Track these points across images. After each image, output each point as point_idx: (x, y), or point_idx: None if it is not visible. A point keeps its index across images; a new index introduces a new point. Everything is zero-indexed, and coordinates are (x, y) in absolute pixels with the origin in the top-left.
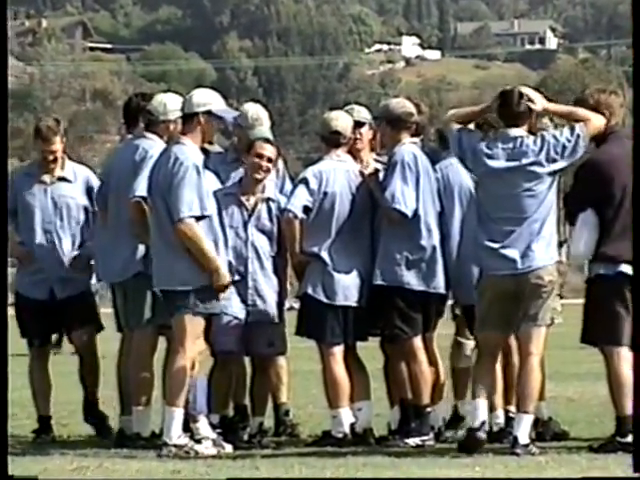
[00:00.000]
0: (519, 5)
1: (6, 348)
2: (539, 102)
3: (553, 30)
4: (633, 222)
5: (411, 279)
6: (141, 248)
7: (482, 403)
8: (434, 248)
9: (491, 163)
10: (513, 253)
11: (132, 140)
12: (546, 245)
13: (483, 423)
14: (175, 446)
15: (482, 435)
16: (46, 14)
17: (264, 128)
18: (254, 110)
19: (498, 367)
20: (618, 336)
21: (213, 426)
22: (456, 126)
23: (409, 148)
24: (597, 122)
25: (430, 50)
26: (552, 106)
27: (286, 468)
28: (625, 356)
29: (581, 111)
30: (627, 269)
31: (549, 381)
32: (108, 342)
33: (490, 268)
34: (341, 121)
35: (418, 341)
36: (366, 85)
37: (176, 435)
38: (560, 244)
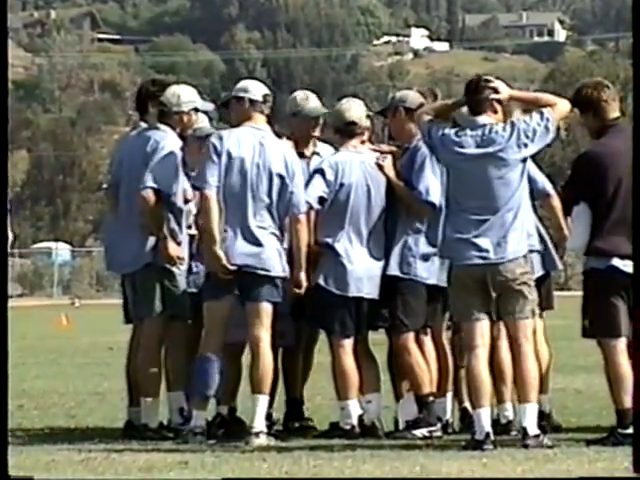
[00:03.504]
0: None
1: (6, 347)
2: (504, 90)
3: (561, 22)
4: (633, 221)
5: (424, 272)
6: (151, 239)
7: (484, 413)
8: None
9: (462, 151)
10: (486, 243)
11: (144, 131)
12: (519, 236)
13: (488, 435)
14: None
15: (488, 446)
16: (55, 5)
17: (318, 104)
18: (300, 93)
19: (506, 357)
20: (614, 328)
21: (223, 417)
22: (426, 117)
23: None
24: (563, 107)
25: (438, 42)
26: (517, 93)
27: (294, 459)
28: (622, 349)
29: (546, 96)
30: (618, 263)
31: (557, 373)
32: (116, 334)
33: (462, 258)
34: (355, 111)
35: (412, 335)
36: (374, 77)
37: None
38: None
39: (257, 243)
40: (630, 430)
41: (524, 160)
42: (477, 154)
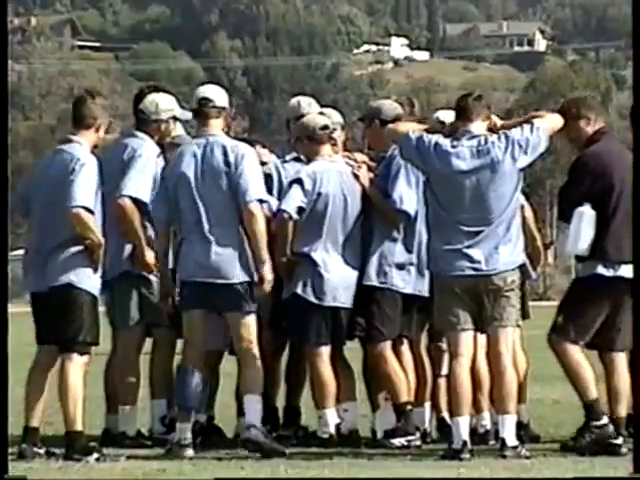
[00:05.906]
0: (508, 7)
1: (6, 348)
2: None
3: (542, 32)
4: (633, 222)
5: (400, 281)
6: (128, 247)
7: (463, 421)
8: (422, 251)
9: (458, 163)
10: (478, 254)
11: (122, 138)
12: (512, 247)
13: (465, 444)
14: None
15: (465, 456)
16: (35, 12)
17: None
18: (303, 99)
19: (483, 367)
20: (619, 341)
21: (201, 425)
22: (408, 130)
23: None
24: (554, 119)
25: (419, 51)
26: (508, 123)
27: (271, 468)
28: (624, 361)
29: (535, 114)
30: (627, 272)
31: (535, 383)
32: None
33: (453, 268)
34: (321, 117)
35: (389, 344)
36: (354, 86)
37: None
38: (546, 246)
39: (215, 252)
40: (604, 421)
41: (519, 171)
42: (475, 167)
